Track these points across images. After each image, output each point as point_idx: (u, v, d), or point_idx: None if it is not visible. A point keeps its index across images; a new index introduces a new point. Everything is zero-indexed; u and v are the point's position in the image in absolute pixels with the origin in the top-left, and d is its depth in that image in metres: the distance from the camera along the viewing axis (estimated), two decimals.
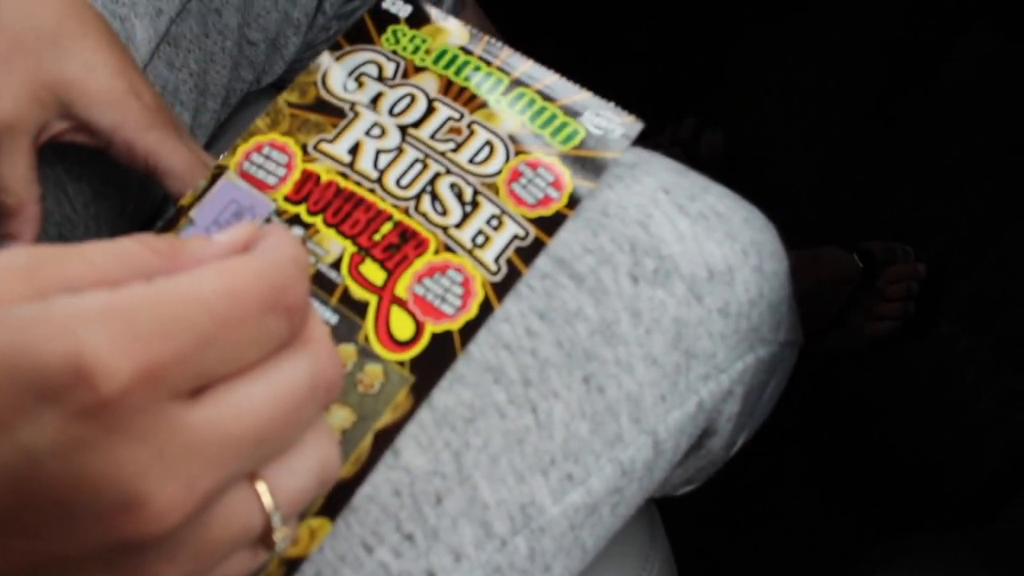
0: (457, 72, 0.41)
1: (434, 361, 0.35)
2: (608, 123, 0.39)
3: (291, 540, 0.28)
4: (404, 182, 0.39)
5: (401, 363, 0.35)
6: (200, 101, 0.65)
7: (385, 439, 0.34)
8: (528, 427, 0.37)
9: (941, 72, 1.10)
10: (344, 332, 0.36)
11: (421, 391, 0.34)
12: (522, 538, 0.37)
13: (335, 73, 0.42)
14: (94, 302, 0.23)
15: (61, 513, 0.23)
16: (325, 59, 0.42)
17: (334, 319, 0.36)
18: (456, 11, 0.82)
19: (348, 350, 0.35)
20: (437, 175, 0.39)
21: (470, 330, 0.35)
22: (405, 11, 0.43)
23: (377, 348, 0.35)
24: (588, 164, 0.39)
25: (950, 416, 0.98)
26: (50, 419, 0.22)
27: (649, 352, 0.39)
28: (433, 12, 0.43)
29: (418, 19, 0.43)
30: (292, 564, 0.33)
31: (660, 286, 0.39)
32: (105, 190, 0.58)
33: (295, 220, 0.38)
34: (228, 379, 0.25)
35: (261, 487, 0.26)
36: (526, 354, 0.37)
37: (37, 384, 0.22)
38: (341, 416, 0.34)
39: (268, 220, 0.38)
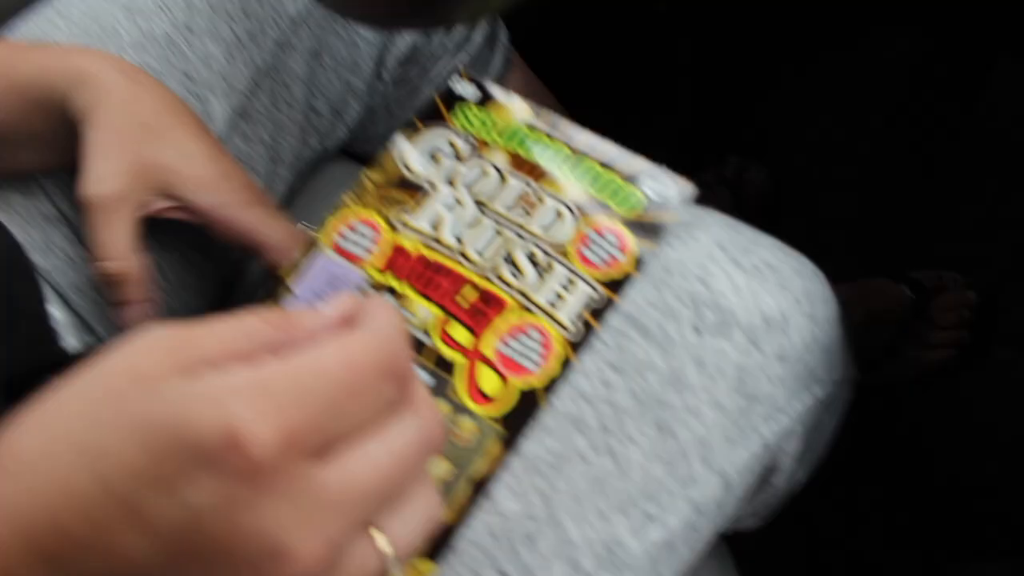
0: (523, 146, 0.45)
1: (521, 414, 0.39)
2: (664, 188, 0.43)
3: None
4: (483, 250, 0.43)
5: (492, 417, 0.39)
6: (272, 170, 0.71)
7: (480, 487, 0.38)
8: (608, 470, 0.41)
9: (975, 104, 1.13)
10: (437, 389, 0.39)
11: (511, 442, 0.38)
12: (607, 574, 0.41)
13: (413, 152, 0.46)
14: (238, 379, 0.27)
15: (220, 562, 0.27)
16: (402, 138, 0.46)
17: (427, 379, 0.40)
18: (505, 71, 0.87)
19: (443, 406, 0.39)
20: (513, 243, 0.42)
21: (552, 384, 0.39)
22: (471, 92, 0.47)
23: (468, 403, 0.39)
24: (649, 228, 0.42)
25: (1012, 442, 1.00)
26: (209, 482, 0.26)
27: (714, 397, 0.42)
28: (497, 92, 0.47)
29: (484, 98, 0.47)
30: None
31: (721, 336, 0.43)
32: (191, 257, 0.63)
33: (386, 289, 0.42)
34: (351, 439, 0.28)
35: (380, 537, 0.29)
36: (603, 404, 0.41)
37: (197, 452, 0.26)
38: (441, 467, 0.38)
39: (359, 290, 0.42)
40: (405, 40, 0.75)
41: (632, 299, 0.42)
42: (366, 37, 0.72)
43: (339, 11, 0.49)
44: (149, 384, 0.28)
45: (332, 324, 0.31)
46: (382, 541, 0.30)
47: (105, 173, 0.48)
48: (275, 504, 0.27)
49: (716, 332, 0.43)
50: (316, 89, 0.73)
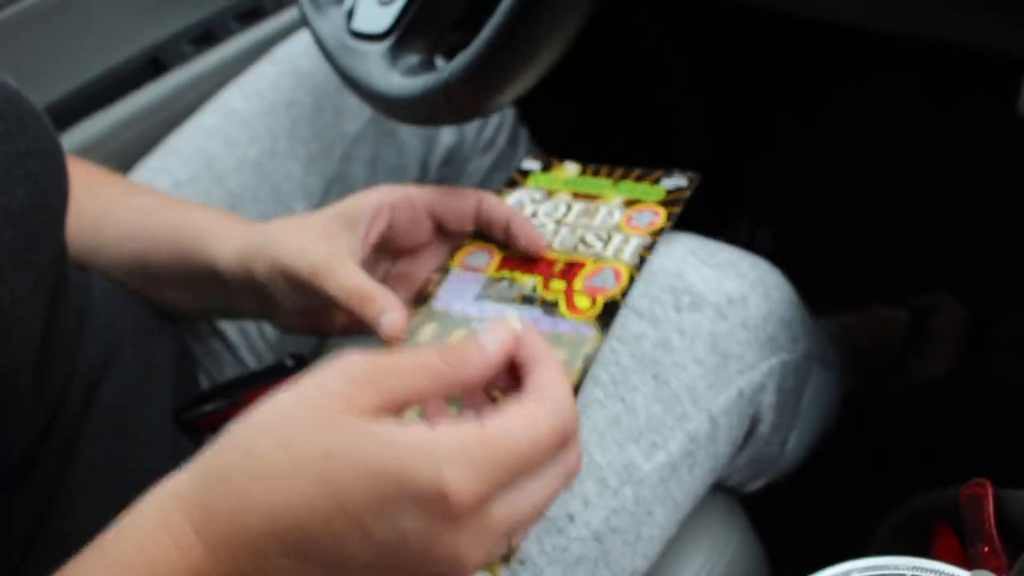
0: (579, 186, 0.64)
1: (608, 313, 0.54)
2: (679, 181, 0.61)
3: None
4: (564, 242, 0.60)
5: (588, 319, 0.54)
6: None
7: (590, 362, 0.52)
8: (620, 412, 0.55)
9: (947, 144, 1.24)
10: (548, 311, 0.55)
11: (605, 328, 0.53)
12: (628, 488, 0.55)
13: (506, 203, 0.63)
14: (447, 441, 0.36)
15: (416, 566, 0.37)
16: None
17: (540, 311, 0.55)
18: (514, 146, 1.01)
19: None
20: (584, 233, 0.59)
21: (625, 292, 0.55)
22: (536, 166, 0.67)
23: (569, 316, 0.55)
24: (671, 201, 0.60)
25: (1015, 442, 1.06)
26: (419, 515, 0.36)
27: (695, 355, 0.57)
28: (555, 161, 0.66)
29: (546, 167, 0.66)
30: None
31: (696, 311, 0.58)
32: None
33: (502, 279, 0.58)
34: (520, 483, 0.38)
35: (514, 541, 0.40)
36: (611, 365, 0.56)
37: (415, 498, 0.35)
38: (557, 353, 0.52)
39: (484, 285, 0.58)
40: (443, 145, 0.90)
41: (629, 294, 0.58)
42: (412, 145, 0.88)
43: (391, 116, 0.64)
44: (368, 425, 0.37)
45: (499, 362, 0.40)
46: (515, 542, 0.40)
47: (304, 250, 0.55)
48: (462, 536, 0.36)
49: (692, 309, 0.58)
50: None
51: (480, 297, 0.58)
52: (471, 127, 0.93)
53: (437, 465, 0.35)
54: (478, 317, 0.57)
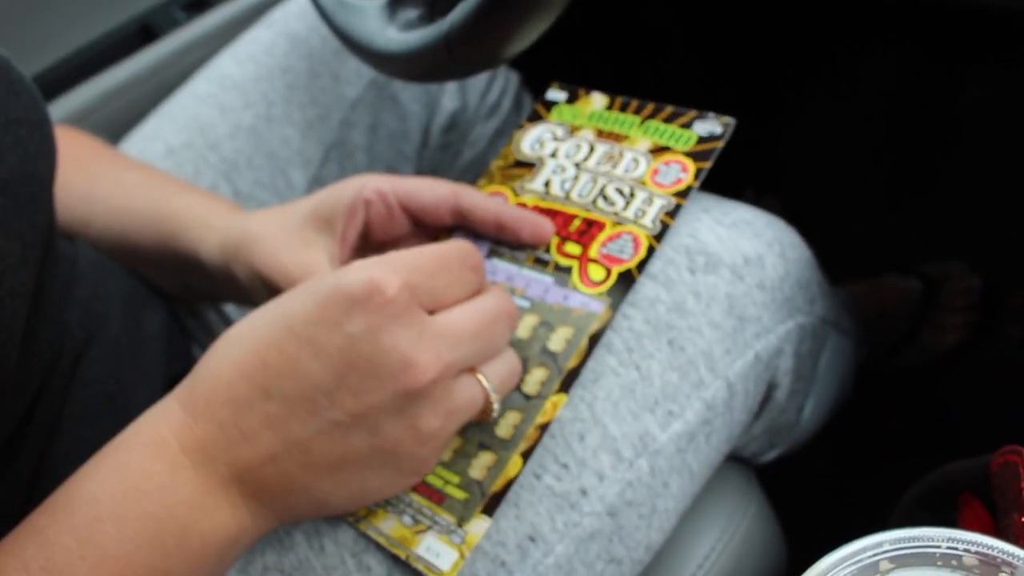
0: (604, 123, 0.60)
1: (622, 287, 0.52)
2: (712, 126, 0.58)
3: (499, 413, 0.48)
4: (583, 193, 0.57)
5: (600, 293, 0.52)
6: None
7: (595, 340, 0.51)
8: (635, 380, 0.53)
9: (958, 108, 1.22)
10: (559, 282, 0.54)
11: (616, 305, 0.52)
12: (644, 459, 0.53)
13: (524, 142, 0.62)
14: (374, 259, 0.43)
15: (371, 373, 0.41)
16: (516, 135, 0.62)
17: (551, 279, 0.54)
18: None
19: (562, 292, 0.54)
20: (604, 185, 0.57)
21: (642, 264, 0.53)
22: (562, 96, 0.63)
23: (582, 288, 0.53)
24: (702, 153, 0.57)
25: None
26: (359, 316, 0.41)
27: (711, 319, 0.55)
28: (582, 91, 0.63)
29: (572, 98, 0.63)
30: (543, 427, 0.50)
31: (711, 273, 0.55)
32: None
33: None
34: (450, 304, 0.44)
35: (479, 375, 0.45)
36: (625, 331, 0.54)
37: (350, 296, 0.41)
38: (564, 331, 0.52)
39: (495, 241, 0.57)
40: (445, 110, 0.88)
41: (646, 266, 0.55)
42: (413, 111, 0.86)
43: (390, 73, 0.62)
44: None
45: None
46: (482, 378, 0.45)
47: (281, 262, 0.55)
48: (403, 330, 0.41)
49: (707, 271, 0.55)
50: (375, 156, 0.86)
51: (492, 254, 0.56)
52: (474, 92, 0.90)
53: (364, 268, 0.42)
54: (489, 279, 0.55)
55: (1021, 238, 1.15)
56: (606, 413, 0.52)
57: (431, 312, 0.44)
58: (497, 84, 0.93)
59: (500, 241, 0.56)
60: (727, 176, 1.21)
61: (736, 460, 0.67)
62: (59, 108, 0.87)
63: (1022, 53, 0.96)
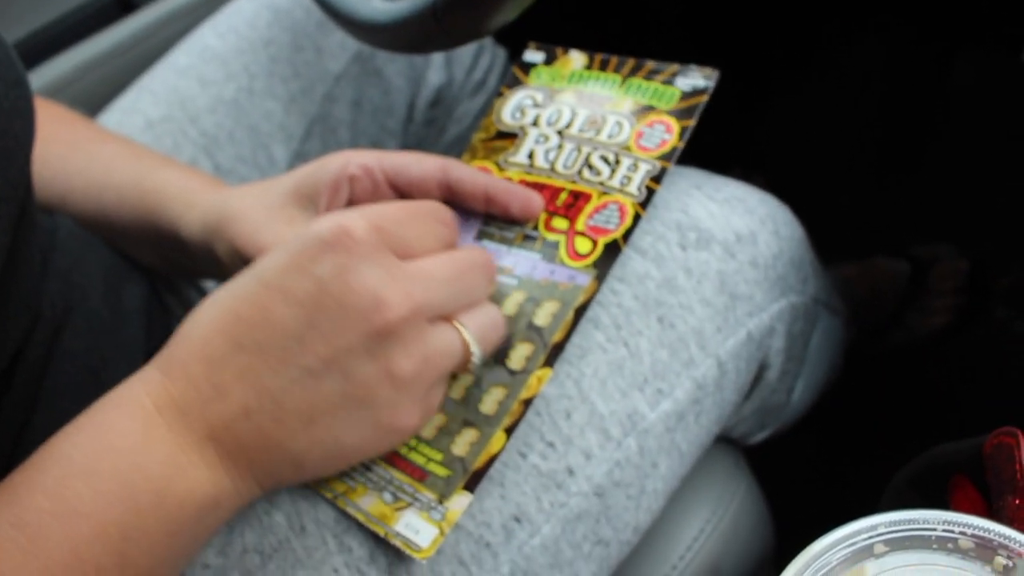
0: (584, 84, 0.59)
1: (608, 257, 0.51)
2: (695, 79, 0.56)
3: (479, 363, 0.46)
4: (568, 164, 0.56)
5: (586, 265, 0.51)
6: None
7: (581, 312, 0.50)
8: (623, 357, 0.52)
9: (947, 89, 1.22)
10: (546, 257, 0.52)
11: (602, 277, 0.51)
12: (632, 439, 0.52)
13: (504, 110, 0.60)
14: (343, 210, 0.45)
15: (341, 314, 0.41)
16: (496, 103, 0.60)
17: (539, 256, 0.53)
18: None
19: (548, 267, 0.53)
20: (589, 153, 0.55)
21: (628, 233, 0.52)
22: (540, 57, 0.62)
23: (568, 262, 0.52)
24: (686, 110, 0.55)
25: (1015, 391, 1.05)
26: (330, 257, 0.41)
27: (702, 296, 0.54)
28: (559, 51, 0.61)
29: (550, 59, 0.61)
30: (527, 402, 0.49)
31: (703, 249, 0.54)
32: None
33: None
34: (421, 252, 0.44)
35: (457, 324, 0.44)
36: (613, 307, 0.52)
37: (318, 241, 0.41)
38: (550, 305, 0.51)
39: (484, 220, 0.55)
40: (430, 85, 0.87)
41: (632, 234, 0.54)
42: (397, 85, 0.84)
43: (375, 44, 0.60)
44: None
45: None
46: (459, 326, 0.44)
47: (261, 240, 0.54)
48: (373, 269, 0.41)
49: (698, 247, 0.54)
50: (358, 132, 0.84)
51: (481, 235, 0.55)
52: (460, 67, 0.89)
53: (333, 216, 0.43)
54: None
55: (1009, 221, 1.15)
56: (593, 390, 0.51)
57: (402, 260, 0.44)
58: (484, 60, 0.92)
59: (490, 218, 0.55)
60: (714, 156, 1.21)
61: (724, 441, 0.66)
62: (34, 80, 0.84)
63: (1012, 33, 0.95)
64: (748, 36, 1.26)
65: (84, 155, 0.65)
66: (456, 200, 0.55)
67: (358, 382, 0.41)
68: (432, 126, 0.90)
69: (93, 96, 0.85)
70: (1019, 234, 1.13)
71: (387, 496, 0.48)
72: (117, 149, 0.65)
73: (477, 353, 0.45)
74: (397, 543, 0.47)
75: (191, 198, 0.58)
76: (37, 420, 0.51)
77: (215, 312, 0.43)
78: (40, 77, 0.85)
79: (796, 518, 0.72)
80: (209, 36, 0.80)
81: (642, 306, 0.53)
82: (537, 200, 0.54)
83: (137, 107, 0.77)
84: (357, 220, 0.42)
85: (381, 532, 0.48)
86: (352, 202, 0.54)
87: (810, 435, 0.89)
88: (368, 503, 0.48)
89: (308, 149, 0.81)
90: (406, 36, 0.56)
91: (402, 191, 0.55)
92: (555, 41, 0.62)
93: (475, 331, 0.45)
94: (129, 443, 0.40)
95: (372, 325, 0.41)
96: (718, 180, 0.59)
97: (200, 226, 0.56)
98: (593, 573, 0.53)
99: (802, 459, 1.04)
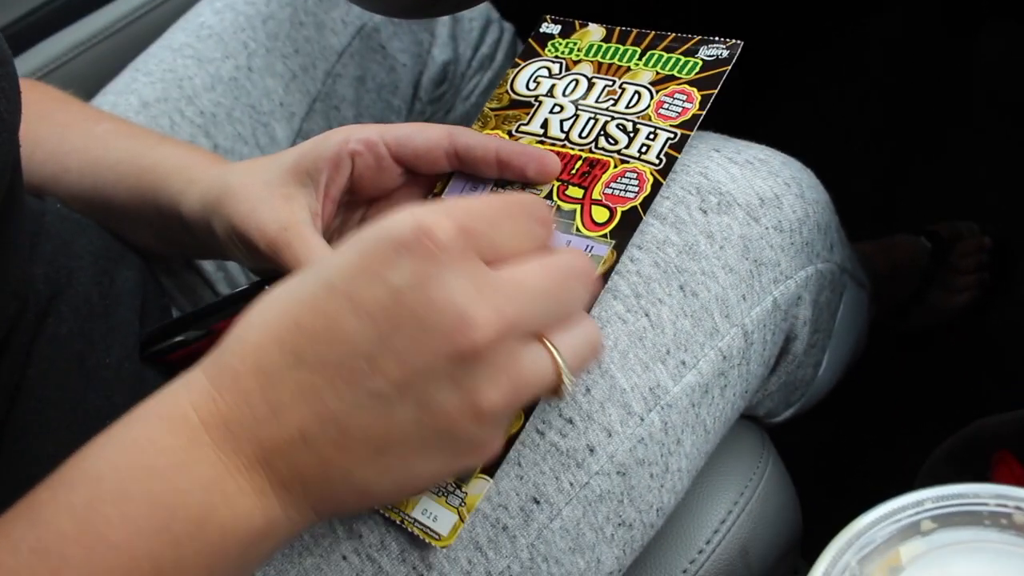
0: (603, 56, 0.56)
1: (627, 226, 0.48)
2: (717, 50, 0.53)
3: (571, 391, 0.40)
4: (584, 134, 0.53)
5: (604, 235, 0.48)
6: None
7: (602, 282, 0.48)
8: (644, 327, 0.49)
9: (971, 63, 1.19)
10: (563, 229, 0.50)
11: (621, 248, 0.48)
12: (655, 414, 0.49)
13: (519, 81, 0.57)
14: (424, 205, 0.37)
15: (419, 332, 0.34)
16: (510, 73, 0.58)
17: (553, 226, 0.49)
18: None
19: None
20: (606, 123, 0.53)
21: (647, 202, 0.49)
22: (556, 29, 0.59)
23: (585, 232, 0.49)
24: (708, 79, 0.52)
25: None
26: (406, 263, 0.34)
27: (726, 263, 0.51)
28: (577, 23, 0.59)
29: (567, 31, 0.59)
30: None
31: (725, 213, 0.51)
32: None
33: (515, 181, 0.52)
34: (514, 258, 0.37)
35: (549, 344, 0.37)
36: (632, 275, 0.50)
37: (396, 243, 0.34)
38: None
39: (494, 188, 0.53)
40: (436, 62, 0.84)
41: (652, 203, 0.51)
42: (403, 62, 0.82)
43: (377, 10, 0.57)
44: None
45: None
46: (552, 348, 0.37)
47: (259, 218, 0.52)
48: (458, 280, 0.34)
49: (719, 211, 0.51)
50: (362, 110, 0.82)
51: None
52: (466, 43, 0.86)
53: (413, 212, 0.35)
54: None
55: None
56: (613, 363, 0.48)
57: (492, 267, 0.36)
58: (491, 35, 0.89)
59: (499, 185, 0.52)
60: (731, 134, 1.18)
61: (749, 419, 0.63)
62: (26, 62, 0.82)
63: None
64: (765, 13, 1.24)
65: (79, 134, 0.63)
66: (466, 168, 0.52)
67: (437, 412, 0.35)
68: (439, 103, 0.88)
69: (86, 78, 0.82)
70: None
71: None
72: (113, 127, 0.63)
73: (569, 383, 0.38)
74: (415, 531, 0.45)
75: (191, 174, 0.56)
76: (23, 409, 0.49)
77: (272, 316, 0.37)
78: (33, 58, 0.83)
79: (822, 502, 0.69)
80: (206, 13, 0.78)
81: (663, 273, 0.50)
82: (553, 160, 0.51)
83: (132, 88, 0.74)
84: (442, 219, 0.35)
85: (397, 519, 0.45)
86: (355, 178, 0.52)
87: (833, 417, 0.87)
88: None
89: (310, 128, 0.78)
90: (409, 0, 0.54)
91: (408, 163, 0.52)
92: (565, 15, 0.59)
93: (570, 355, 0.38)
94: (168, 462, 0.36)
95: (455, 347, 0.34)
96: (739, 143, 0.56)
97: (200, 203, 0.54)
98: (616, 558, 0.50)
99: (826, 441, 1.01)
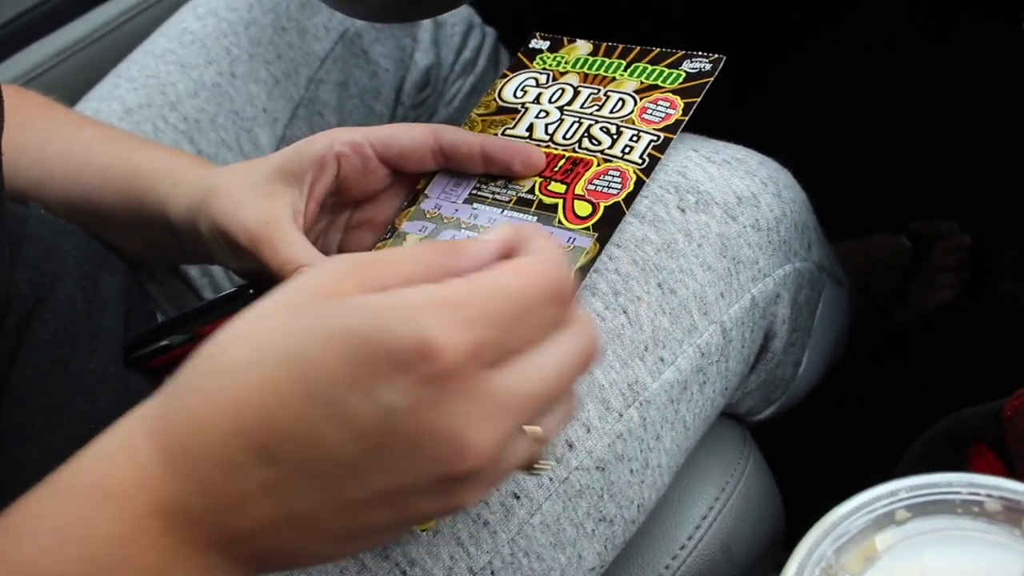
0: (589, 68, 0.58)
1: (609, 220, 0.50)
2: (700, 64, 0.55)
3: (544, 471, 0.37)
4: (568, 135, 0.54)
5: (586, 228, 0.49)
6: None
7: (583, 274, 0.49)
8: (623, 324, 0.50)
9: (946, 61, 1.20)
10: (543, 221, 0.51)
11: (603, 240, 0.49)
12: (634, 409, 0.49)
13: (506, 89, 0.59)
14: (429, 294, 0.31)
15: (410, 453, 0.31)
16: (499, 83, 0.59)
17: (534, 219, 0.51)
18: None
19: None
20: (590, 125, 0.54)
21: (631, 198, 0.50)
22: (545, 44, 0.61)
23: (568, 224, 0.50)
24: (691, 89, 0.54)
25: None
26: (403, 384, 0.30)
27: (704, 261, 0.51)
28: (566, 39, 0.60)
29: (555, 46, 0.60)
30: None
31: (702, 212, 0.52)
32: None
33: (498, 176, 0.54)
34: (521, 353, 0.32)
35: (536, 432, 0.33)
36: (610, 272, 0.50)
37: (394, 359, 0.30)
38: None
39: (476, 184, 0.54)
40: (419, 67, 0.85)
41: (635, 200, 0.52)
42: (386, 67, 0.82)
43: (342, 10, 0.58)
44: (345, 300, 0.31)
45: (497, 251, 0.34)
46: (539, 437, 0.33)
47: (242, 215, 0.52)
48: (459, 405, 0.30)
49: (697, 209, 0.52)
50: (345, 115, 0.83)
51: (473, 199, 0.53)
52: (449, 48, 0.87)
53: (415, 315, 0.30)
54: (470, 223, 0.52)
55: (1011, 195, 1.13)
56: None
57: (498, 367, 0.32)
58: (473, 40, 0.89)
59: (484, 180, 0.53)
60: (710, 136, 1.19)
61: (730, 417, 0.64)
62: (8, 69, 0.82)
63: (1014, 2, 0.94)
64: (743, 17, 1.25)
65: (64, 140, 0.63)
66: (452, 165, 0.53)
67: (415, 514, 0.34)
68: (421, 108, 0.88)
69: (69, 86, 0.82)
70: (1021, 207, 1.12)
71: None
72: (97, 133, 0.64)
73: (546, 465, 0.36)
74: None
75: (176, 177, 0.56)
76: (7, 413, 0.49)
77: (236, 396, 0.32)
78: (16, 65, 0.83)
79: (803, 499, 0.70)
80: (188, 19, 0.78)
81: (641, 271, 0.50)
82: (538, 153, 0.52)
83: (115, 94, 0.75)
84: (450, 337, 0.30)
85: None
86: (341, 180, 0.53)
87: (817, 414, 0.87)
88: None
89: (293, 133, 0.79)
90: (386, 1, 0.54)
91: (394, 163, 0.53)
92: (549, 21, 0.61)
93: (550, 433, 0.35)
94: (110, 555, 0.32)
95: (446, 471, 0.31)
96: (716, 143, 0.57)
97: (186, 205, 0.55)
98: (598, 553, 0.51)
99: (809, 437, 1.02)
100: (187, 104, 0.74)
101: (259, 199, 0.51)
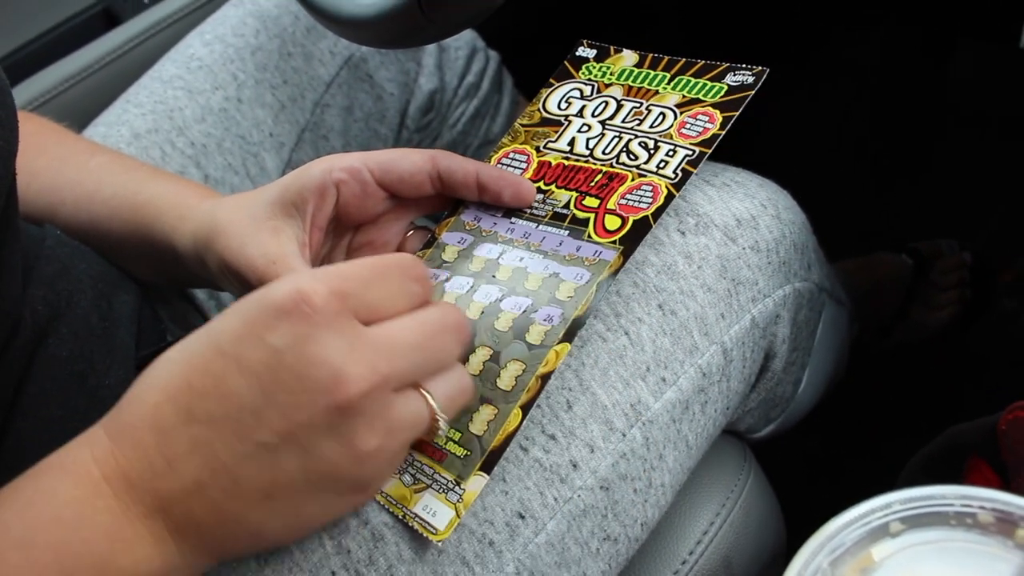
0: (634, 80, 0.59)
1: (636, 234, 0.50)
2: (743, 76, 0.56)
3: (445, 431, 0.43)
4: (607, 151, 0.55)
5: (612, 241, 0.50)
6: None
7: (601, 289, 0.49)
8: (625, 345, 0.50)
9: (945, 81, 1.21)
10: (574, 235, 0.52)
11: (628, 252, 0.50)
12: (637, 430, 0.50)
13: (551, 100, 0.60)
14: (310, 271, 0.40)
15: (299, 389, 0.37)
16: (543, 92, 0.60)
17: (566, 232, 0.52)
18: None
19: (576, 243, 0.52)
20: (629, 141, 0.55)
21: (659, 212, 0.51)
22: (592, 53, 0.62)
23: (596, 238, 0.51)
24: (731, 102, 0.55)
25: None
26: (285, 328, 0.38)
27: (704, 282, 0.52)
28: (612, 48, 0.62)
29: (602, 56, 0.61)
30: (544, 378, 0.48)
31: (702, 234, 0.53)
32: None
33: (537, 191, 0.55)
34: (388, 315, 0.40)
35: (424, 392, 0.41)
36: (611, 295, 0.51)
37: (276, 308, 0.38)
38: (574, 280, 0.50)
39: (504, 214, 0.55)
40: (423, 91, 0.86)
41: (663, 213, 0.53)
42: (391, 91, 0.83)
43: (362, 40, 0.59)
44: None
45: None
46: (426, 394, 0.41)
47: (248, 253, 0.54)
48: (333, 340, 0.37)
49: (697, 232, 0.53)
50: (350, 139, 0.84)
51: (511, 212, 0.55)
52: (453, 72, 0.88)
53: (291, 279, 0.39)
54: (507, 237, 0.54)
55: (1011, 214, 1.14)
56: (594, 380, 0.50)
57: (368, 325, 0.40)
58: (476, 64, 0.91)
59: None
60: (711, 157, 1.20)
61: (731, 435, 0.65)
62: (21, 94, 0.84)
63: (1011, 25, 0.95)
64: (745, 35, 1.26)
65: (74, 168, 0.64)
66: (448, 191, 0.54)
67: (319, 458, 0.39)
68: (426, 131, 0.90)
69: (78, 111, 0.84)
70: (1021, 225, 1.12)
71: (407, 478, 0.48)
72: (106, 161, 0.65)
73: (444, 425, 0.42)
74: (415, 525, 0.46)
75: (182, 211, 0.57)
76: (23, 426, 0.50)
77: (167, 377, 0.40)
78: (27, 90, 0.84)
79: (804, 514, 0.70)
80: (195, 45, 0.80)
81: (641, 293, 0.51)
82: (528, 186, 0.53)
83: (123, 119, 0.76)
84: (316, 284, 0.38)
85: (400, 514, 0.47)
86: (341, 206, 0.54)
87: (817, 433, 0.88)
88: (389, 485, 0.48)
89: (299, 158, 0.80)
90: (393, 29, 0.55)
91: (393, 188, 0.54)
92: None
93: (443, 399, 0.41)
94: (72, 513, 0.38)
95: (333, 400, 0.37)
96: (715, 165, 0.58)
97: (191, 240, 0.56)
98: (602, 572, 0.51)
99: (808, 457, 1.02)
100: (194, 129, 0.75)
101: (264, 236, 0.52)
